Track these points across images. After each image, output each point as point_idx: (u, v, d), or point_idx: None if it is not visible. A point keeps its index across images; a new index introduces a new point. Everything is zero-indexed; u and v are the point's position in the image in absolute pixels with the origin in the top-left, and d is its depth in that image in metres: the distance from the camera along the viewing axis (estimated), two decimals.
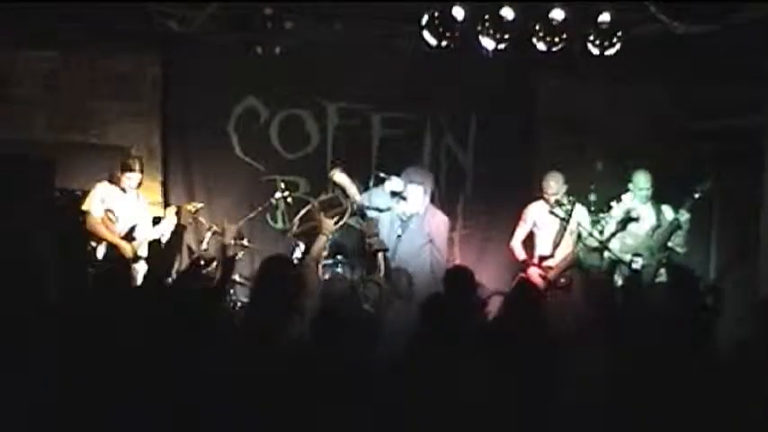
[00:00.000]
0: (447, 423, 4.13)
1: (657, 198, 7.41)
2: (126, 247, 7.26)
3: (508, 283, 6.99)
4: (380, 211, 7.18)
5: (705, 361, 4.16)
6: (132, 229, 7.38)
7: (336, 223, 6.64)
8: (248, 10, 7.33)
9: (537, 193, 7.65)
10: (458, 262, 8.18)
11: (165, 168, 8.22)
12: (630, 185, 7.37)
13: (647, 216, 7.34)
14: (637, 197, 7.35)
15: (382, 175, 7.22)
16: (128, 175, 7.35)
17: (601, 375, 4.49)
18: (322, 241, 5.96)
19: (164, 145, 8.25)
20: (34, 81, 8.01)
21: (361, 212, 7.33)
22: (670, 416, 4.09)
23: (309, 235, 7.04)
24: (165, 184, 8.21)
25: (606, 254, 7.10)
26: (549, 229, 7.44)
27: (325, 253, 6.85)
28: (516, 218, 7.82)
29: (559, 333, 5.02)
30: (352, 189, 7.28)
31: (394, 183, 7.12)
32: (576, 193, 7.51)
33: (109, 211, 7.28)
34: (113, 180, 7.38)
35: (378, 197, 7.26)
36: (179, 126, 8.22)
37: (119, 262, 6.83)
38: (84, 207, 7.20)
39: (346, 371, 4.19)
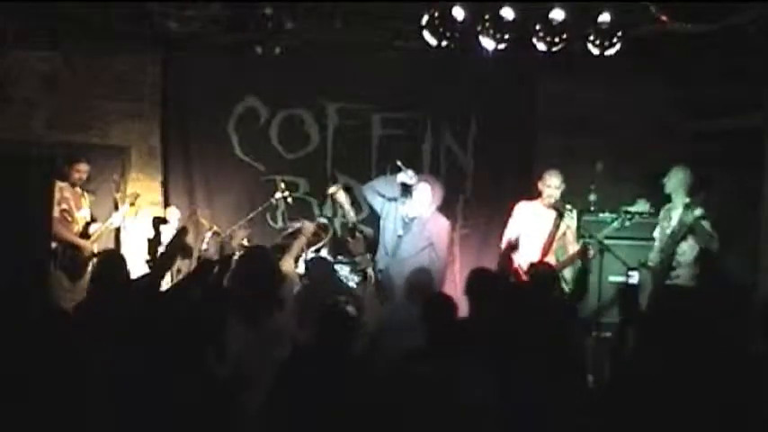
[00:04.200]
0: (443, 423, 4.13)
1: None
2: (86, 246, 7.24)
3: None
4: (388, 199, 7.22)
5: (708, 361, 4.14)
6: (87, 225, 7.35)
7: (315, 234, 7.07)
8: (248, 10, 7.33)
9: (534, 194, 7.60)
10: (457, 262, 8.20)
11: (165, 168, 8.24)
12: (666, 180, 7.18)
13: (674, 216, 7.19)
14: (673, 192, 7.16)
15: (399, 163, 7.21)
16: (77, 167, 7.28)
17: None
18: (301, 241, 6.37)
19: (164, 145, 8.27)
20: (34, 81, 8.02)
21: (351, 232, 7.38)
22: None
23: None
24: (165, 184, 8.23)
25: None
26: (540, 233, 7.17)
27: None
28: None
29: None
30: (350, 211, 7.42)
31: (408, 175, 7.13)
32: (576, 193, 7.50)
33: (64, 210, 7.23)
34: (63, 176, 7.25)
35: (389, 185, 7.29)
36: (179, 126, 8.24)
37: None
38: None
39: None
